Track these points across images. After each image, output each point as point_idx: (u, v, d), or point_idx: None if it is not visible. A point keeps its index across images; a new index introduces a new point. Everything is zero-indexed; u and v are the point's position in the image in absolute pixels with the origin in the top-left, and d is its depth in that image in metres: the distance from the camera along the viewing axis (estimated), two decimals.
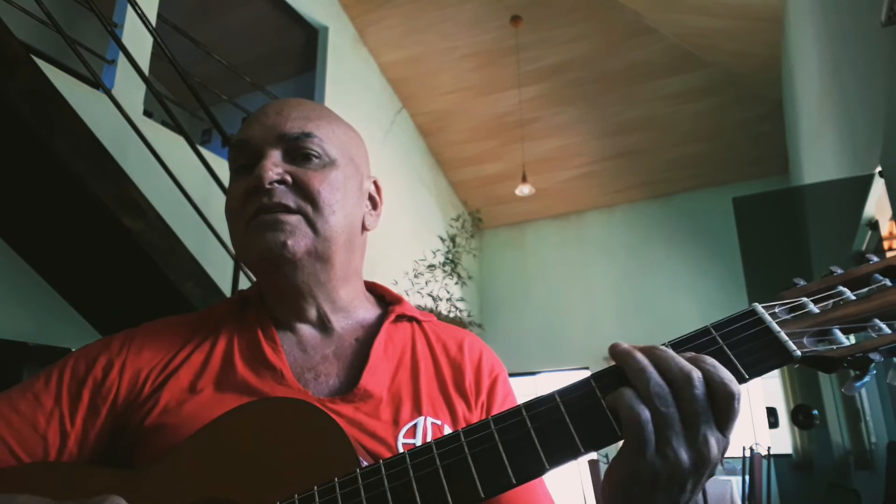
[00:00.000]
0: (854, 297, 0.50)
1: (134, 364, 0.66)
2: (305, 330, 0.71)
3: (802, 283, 0.53)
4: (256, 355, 0.67)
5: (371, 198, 0.76)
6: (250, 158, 0.68)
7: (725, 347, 0.48)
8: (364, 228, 0.74)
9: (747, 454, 4.76)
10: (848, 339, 0.48)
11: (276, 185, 0.65)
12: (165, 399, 0.63)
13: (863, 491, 3.83)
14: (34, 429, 0.62)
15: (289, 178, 0.66)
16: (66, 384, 0.64)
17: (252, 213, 0.65)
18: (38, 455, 0.62)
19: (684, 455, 0.44)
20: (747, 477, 4.66)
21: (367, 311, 0.75)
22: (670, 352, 0.47)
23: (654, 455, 0.44)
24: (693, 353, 0.47)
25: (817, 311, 0.50)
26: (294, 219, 0.65)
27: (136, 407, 0.64)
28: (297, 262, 0.66)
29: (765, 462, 5.03)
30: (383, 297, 0.79)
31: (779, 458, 5.47)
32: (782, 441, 5.57)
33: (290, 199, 0.65)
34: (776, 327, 0.48)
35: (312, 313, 0.71)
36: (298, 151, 0.67)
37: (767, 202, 4.12)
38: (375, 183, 0.77)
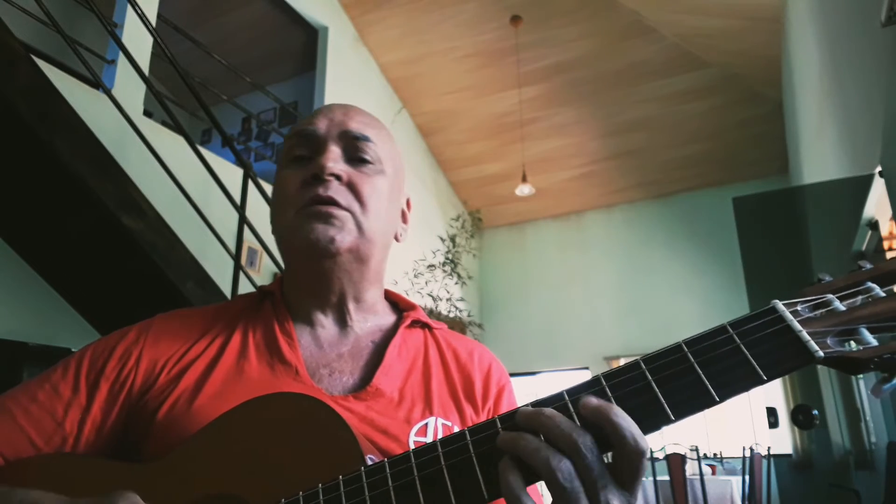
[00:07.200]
0: (884, 294, 0.46)
1: (150, 353, 0.67)
2: (324, 325, 0.72)
3: (828, 278, 0.49)
4: (272, 350, 0.68)
5: (402, 213, 0.80)
6: (310, 150, 0.70)
7: (743, 347, 0.46)
8: (395, 239, 0.78)
9: (747, 454, 4.76)
10: (875, 338, 0.45)
11: (333, 178, 0.68)
12: (179, 391, 0.64)
13: (863, 491, 3.82)
14: (52, 417, 0.63)
15: (345, 177, 0.69)
16: (83, 374, 0.65)
17: (305, 201, 0.67)
18: (56, 444, 0.63)
19: None
20: (747, 477, 4.66)
21: (385, 315, 0.77)
22: (556, 419, 0.44)
23: None
24: (597, 404, 0.44)
25: (843, 308, 0.46)
26: (343, 214, 0.68)
27: (150, 397, 0.64)
28: (338, 258, 0.68)
29: (765, 462, 5.03)
30: (397, 304, 0.81)
31: (779, 458, 5.47)
32: (782, 441, 5.57)
33: (342, 196, 0.68)
34: (797, 326, 0.45)
35: (336, 308, 0.73)
36: (356, 153, 0.71)
37: (767, 202, 4.12)
38: (408, 200, 0.81)
